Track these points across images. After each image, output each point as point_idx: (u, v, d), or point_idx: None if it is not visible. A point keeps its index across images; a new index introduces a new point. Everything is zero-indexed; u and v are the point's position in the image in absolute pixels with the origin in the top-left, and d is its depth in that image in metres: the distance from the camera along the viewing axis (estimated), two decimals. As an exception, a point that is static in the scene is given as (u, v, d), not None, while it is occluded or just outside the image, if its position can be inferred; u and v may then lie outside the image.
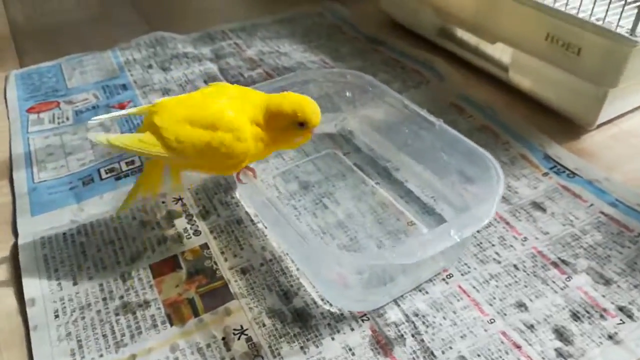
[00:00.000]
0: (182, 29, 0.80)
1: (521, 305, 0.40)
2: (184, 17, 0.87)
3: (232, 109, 0.40)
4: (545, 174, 0.51)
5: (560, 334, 0.38)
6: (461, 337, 0.38)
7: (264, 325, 0.39)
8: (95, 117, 0.43)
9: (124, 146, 0.40)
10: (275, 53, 0.73)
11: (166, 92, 0.65)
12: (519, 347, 0.37)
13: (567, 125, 0.58)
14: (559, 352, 0.37)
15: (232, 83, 0.65)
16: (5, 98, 0.66)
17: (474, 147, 0.43)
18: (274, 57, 0.72)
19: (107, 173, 0.53)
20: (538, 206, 0.48)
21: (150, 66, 0.71)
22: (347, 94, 0.55)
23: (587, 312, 0.39)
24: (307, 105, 0.41)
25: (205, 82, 0.67)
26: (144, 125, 0.42)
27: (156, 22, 0.84)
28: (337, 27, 0.81)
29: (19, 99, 0.66)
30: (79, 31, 0.83)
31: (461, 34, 0.68)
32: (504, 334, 0.38)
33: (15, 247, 0.46)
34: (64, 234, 0.47)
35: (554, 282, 0.42)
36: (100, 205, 0.49)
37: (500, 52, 0.63)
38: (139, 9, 0.90)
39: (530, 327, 0.39)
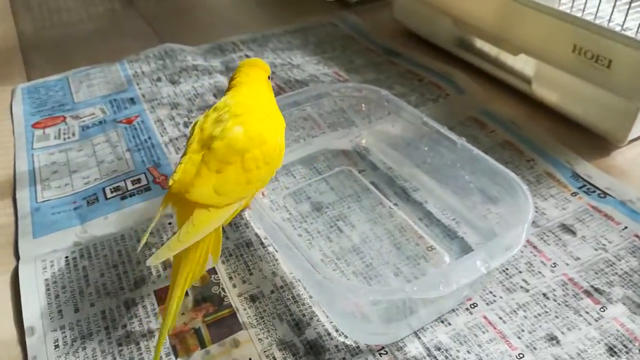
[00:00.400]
0: (192, 41, 0.78)
1: (552, 339, 0.37)
2: (194, 30, 0.85)
3: (238, 123, 0.38)
4: (574, 194, 0.48)
5: (596, 371, 0.35)
6: (488, 374, 0.35)
7: (274, 358, 0.37)
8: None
9: (188, 243, 0.35)
10: (288, 65, 0.71)
11: (175, 106, 0.64)
12: (551, 385, 0.34)
13: (595, 141, 0.54)
14: (595, 393, 0.34)
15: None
16: (11, 113, 0.65)
17: (498, 167, 0.41)
18: (286, 70, 0.70)
19: (112, 192, 0.51)
20: (567, 229, 0.45)
21: (159, 79, 0.69)
22: (363, 108, 0.53)
23: (625, 346, 0.36)
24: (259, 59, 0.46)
25: (215, 95, 0.65)
26: (178, 212, 0.37)
27: (166, 34, 0.83)
28: (350, 38, 0.79)
29: (24, 114, 0.64)
30: (88, 44, 0.82)
31: (481, 44, 0.65)
32: (534, 370, 0.35)
33: (16, 270, 0.44)
34: (67, 257, 0.45)
35: (587, 312, 0.39)
36: (105, 227, 0.47)
37: (523, 63, 0.60)
38: (149, 21, 0.89)
39: (563, 363, 0.36)
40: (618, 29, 0.49)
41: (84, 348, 0.38)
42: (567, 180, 0.50)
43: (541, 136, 0.55)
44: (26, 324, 0.40)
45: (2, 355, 0.38)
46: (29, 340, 0.38)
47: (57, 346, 0.38)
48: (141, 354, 0.37)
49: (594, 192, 0.48)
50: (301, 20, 0.85)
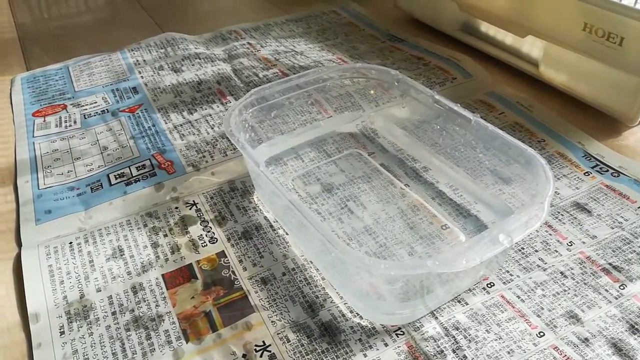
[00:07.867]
0: (193, 31, 0.77)
1: (573, 317, 0.36)
2: (195, 20, 0.84)
3: None
4: (587, 173, 0.48)
5: (619, 348, 0.34)
6: (508, 352, 0.34)
7: (288, 340, 0.36)
8: None
9: None
10: (291, 52, 0.70)
11: (178, 94, 0.62)
12: (573, 363, 0.34)
13: (604, 122, 0.54)
14: (619, 369, 0.33)
15: (246, 83, 0.63)
16: (11, 102, 0.64)
17: (515, 142, 0.40)
18: (290, 57, 0.69)
19: (116, 178, 0.50)
20: (582, 208, 0.44)
21: (161, 67, 0.68)
22: (371, 91, 0.52)
23: (646, 323, 0.36)
24: None
25: (219, 82, 0.64)
26: None
27: (166, 24, 0.82)
28: (353, 25, 0.78)
29: (24, 103, 0.63)
30: (88, 35, 0.81)
31: (486, 28, 0.65)
32: (555, 348, 0.34)
33: (18, 257, 0.43)
34: (71, 243, 0.43)
35: (606, 290, 0.38)
36: (110, 212, 0.46)
37: (530, 46, 0.59)
38: (150, 11, 0.88)
39: (585, 340, 0.35)
40: (631, 3, 0.48)
41: (91, 334, 0.37)
42: (579, 160, 0.49)
43: (551, 117, 0.55)
44: (30, 310, 0.38)
45: (6, 342, 0.37)
46: (33, 327, 0.37)
47: (62, 332, 0.37)
48: (150, 338, 0.36)
49: (607, 171, 0.47)
50: (302, 9, 0.84)
